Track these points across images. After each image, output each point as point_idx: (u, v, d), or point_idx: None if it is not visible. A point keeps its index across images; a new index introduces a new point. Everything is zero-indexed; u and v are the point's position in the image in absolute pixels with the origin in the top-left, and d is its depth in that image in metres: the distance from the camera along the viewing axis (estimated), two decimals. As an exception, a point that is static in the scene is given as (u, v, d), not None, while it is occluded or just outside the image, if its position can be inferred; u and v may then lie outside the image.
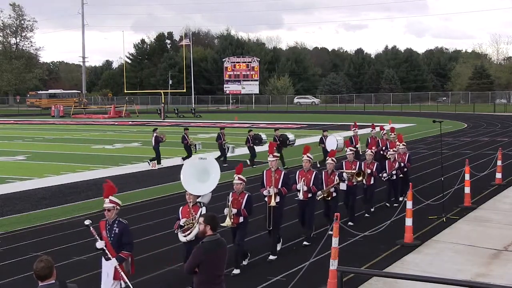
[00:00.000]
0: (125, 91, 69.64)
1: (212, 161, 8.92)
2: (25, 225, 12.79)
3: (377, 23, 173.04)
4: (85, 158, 24.90)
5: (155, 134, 22.45)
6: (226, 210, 9.08)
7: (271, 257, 9.93)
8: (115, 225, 7.28)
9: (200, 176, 8.59)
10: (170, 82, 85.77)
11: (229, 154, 23.49)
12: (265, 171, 10.36)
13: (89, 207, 14.35)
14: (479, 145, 28.67)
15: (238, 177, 9.29)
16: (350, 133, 23.62)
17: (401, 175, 14.18)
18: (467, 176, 14.23)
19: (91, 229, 7.17)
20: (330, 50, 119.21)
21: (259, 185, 10.65)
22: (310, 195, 10.71)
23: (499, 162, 17.42)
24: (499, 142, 28.79)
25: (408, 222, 10.90)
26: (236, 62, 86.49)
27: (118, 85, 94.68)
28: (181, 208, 8.40)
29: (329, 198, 11.25)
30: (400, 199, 13.82)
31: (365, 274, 8.85)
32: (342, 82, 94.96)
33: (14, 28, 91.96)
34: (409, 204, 11.08)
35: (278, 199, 10.09)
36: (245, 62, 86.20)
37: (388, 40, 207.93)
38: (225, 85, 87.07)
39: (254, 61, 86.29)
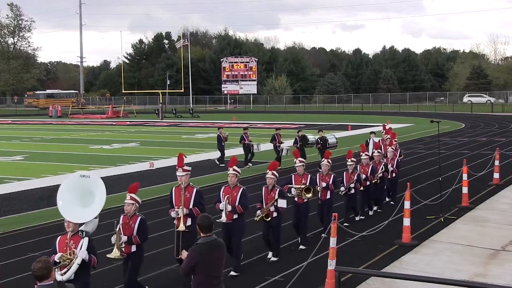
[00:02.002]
0: (123, 91, 69.68)
1: (97, 180, 7.22)
2: (23, 225, 12.78)
3: (373, 23, 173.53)
4: (83, 158, 24.90)
5: (218, 133, 22.42)
6: (113, 239, 7.78)
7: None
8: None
9: (82, 199, 7.09)
10: (168, 82, 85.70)
11: (256, 152, 22.72)
12: (173, 189, 8.93)
13: None
14: (477, 145, 28.73)
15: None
16: (348, 133, 23.64)
17: (362, 188, 12.72)
18: (464, 176, 14.24)
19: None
20: (328, 50, 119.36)
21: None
22: (236, 216, 9.03)
23: (496, 162, 17.44)
24: (496, 142, 28.85)
25: (406, 222, 10.91)
26: (234, 62, 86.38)
27: (116, 85, 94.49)
28: (58, 238, 7.01)
29: (269, 219, 9.60)
30: (375, 208, 13.58)
31: (363, 274, 8.83)
32: (340, 82, 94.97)
33: (12, 28, 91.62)
34: (407, 204, 11.07)
35: (189, 222, 8.58)
36: (243, 62, 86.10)
37: (385, 41, 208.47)
38: (223, 85, 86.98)
39: (252, 61, 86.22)
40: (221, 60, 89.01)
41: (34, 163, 23.62)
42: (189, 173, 8.95)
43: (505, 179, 17.54)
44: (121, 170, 21.00)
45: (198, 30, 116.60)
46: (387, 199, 14.45)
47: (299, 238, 10.72)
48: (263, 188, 9.86)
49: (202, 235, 6.05)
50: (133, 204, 8.06)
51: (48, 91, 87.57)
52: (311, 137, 22.19)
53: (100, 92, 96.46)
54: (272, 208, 9.58)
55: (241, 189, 9.09)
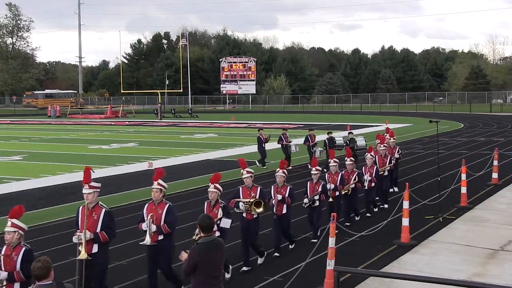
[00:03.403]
0: (122, 91, 69.79)
1: None
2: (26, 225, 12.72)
3: (371, 24, 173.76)
4: (81, 158, 24.84)
5: (258, 135, 21.92)
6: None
7: None
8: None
9: None
10: (167, 82, 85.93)
11: (293, 153, 22.01)
12: (80, 208, 7.69)
13: None
14: (476, 145, 28.78)
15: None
16: (347, 134, 23.59)
17: (331, 199, 11.55)
18: (463, 176, 14.24)
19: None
20: (327, 50, 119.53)
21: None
22: (161, 237, 7.87)
23: (495, 162, 17.46)
24: (495, 142, 28.93)
25: (405, 222, 10.90)
26: (233, 62, 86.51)
27: (115, 85, 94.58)
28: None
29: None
30: (357, 217, 12.81)
31: (361, 274, 8.82)
32: (339, 82, 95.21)
33: (10, 28, 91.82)
34: (405, 204, 11.05)
35: (95, 248, 7.31)
36: (242, 62, 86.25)
37: (382, 40, 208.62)
38: (222, 85, 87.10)
39: (250, 61, 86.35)
40: (220, 60, 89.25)
41: (32, 163, 23.59)
42: (98, 190, 7.69)
43: (504, 179, 17.57)
44: (120, 170, 20.99)
45: (197, 30, 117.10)
46: (374, 209, 13.60)
47: (244, 260, 9.36)
48: (205, 203, 8.68)
49: (202, 234, 6.05)
50: (15, 231, 6.62)
51: (47, 91, 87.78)
52: (339, 139, 21.47)
53: (99, 92, 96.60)
54: (214, 228, 8.08)
55: (167, 205, 7.97)
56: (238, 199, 9.30)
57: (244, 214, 9.33)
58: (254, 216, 9.25)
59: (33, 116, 65.66)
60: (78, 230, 7.39)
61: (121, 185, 16.92)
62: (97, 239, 7.24)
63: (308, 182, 11.06)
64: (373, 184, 13.17)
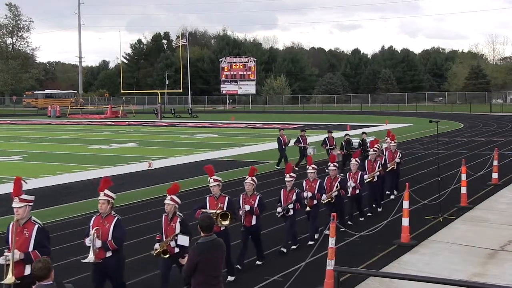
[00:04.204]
0: (122, 91, 69.86)
1: None
2: None
3: (370, 24, 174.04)
4: (81, 158, 24.89)
5: (278, 135, 21.50)
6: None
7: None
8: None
9: None
10: (167, 82, 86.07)
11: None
12: (10, 225, 6.91)
13: (85, 207, 14.32)
14: (476, 145, 28.81)
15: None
16: (341, 134, 23.56)
17: (309, 208, 10.91)
18: (463, 176, 14.25)
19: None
20: (326, 50, 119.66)
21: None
22: (109, 253, 7.18)
23: (495, 162, 17.48)
24: (495, 142, 28.96)
25: (405, 222, 10.91)
26: (233, 62, 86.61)
27: (115, 85, 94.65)
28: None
29: (167, 256, 7.66)
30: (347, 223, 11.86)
31: (361, 274, 8.83)
32: (339, 82, 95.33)
33: (10, 28, 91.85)
34: (405, 204, 11.06)
35: (27, 270, 6.37)
36: (242, 62, 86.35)
37: (382, 41, 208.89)
38: (221, 85, 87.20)
39: (250, 61, 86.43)
40: (220, 60, 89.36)
41: (32, 163, 23.60)
42: (30, 204, 6.90)
43: (504, 179, 17.59)
44: (120, 170, 21.04)
45: (197, 30, 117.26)
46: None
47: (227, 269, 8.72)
48: (163, 216, 8.00)
49: (202, 234, 6.03)
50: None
51: (47, 91, 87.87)
52: (355, 140, 20.64)
53: (99, 92, 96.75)
54: (172, 243, 7.65)
55: (115, 218, 7.29)
56: (205, 210, 8.54)
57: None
58: (222, 229, 8.43)
59: (33, 116, 65.77)
60: (7, 250, 6.53)
61: (121, 185, 16.93)
62: (28, 260, 6.28)
63: (282, 190, 10.39)
64: (357, 191, 12.33)
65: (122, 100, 72.30)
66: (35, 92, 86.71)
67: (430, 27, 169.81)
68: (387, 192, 15.18)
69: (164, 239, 7.73)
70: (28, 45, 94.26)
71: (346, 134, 20.88)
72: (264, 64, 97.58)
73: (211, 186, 8.73)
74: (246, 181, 9.44)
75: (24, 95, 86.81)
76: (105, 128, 45.06)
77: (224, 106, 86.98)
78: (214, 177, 8.77)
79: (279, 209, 10.15)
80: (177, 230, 7.61)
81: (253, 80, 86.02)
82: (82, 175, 19.82)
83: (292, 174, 10.24)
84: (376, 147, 14.62)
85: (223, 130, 41.81)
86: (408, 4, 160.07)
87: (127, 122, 53.11)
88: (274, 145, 22.98)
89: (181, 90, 66.61)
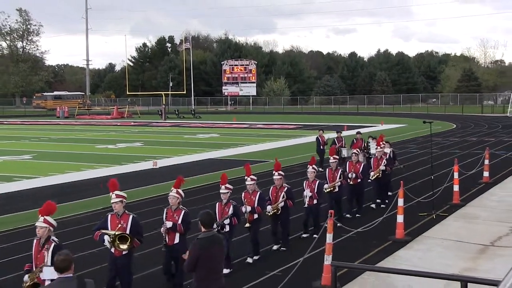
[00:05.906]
0: (128, 93, 70.57)
1: None
2: (31, 221, 11.59)
3: (365, 28, 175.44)
4: (89, 158, 24.84)
5: (317, 136, 21.14)
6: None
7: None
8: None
9: None
10: (171, 84, 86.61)
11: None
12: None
13: (93, 204, 14.47)
14: (468, 145, 28.79)
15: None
16: (345, 133, 23.06)
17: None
18: (456, 175, 14.39)
19: None
20: (324, 54, 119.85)
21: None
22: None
23: (486, 161, 17.57)
24: (486, 142, 28.88)
25: (399, 218, 11.01)
26: (234, 65, 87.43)
27: (121, 87, 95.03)
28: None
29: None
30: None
31: (358, 269, 8.93)
32: (336, 84, 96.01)
33: (21, 32, 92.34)
34: (400, 202, 11.16)
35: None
36: (243, 65, 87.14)
37: (377, 44, 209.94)
38: (223, 87, 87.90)
39: (251, 64, 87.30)
40: (222, 63, 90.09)
41: (42, 162, 23.69)
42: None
43: (495, 177, 17.66)
44: (126, 169, 21.06)
45: (200, 34, 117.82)
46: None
47: None
48: (34, 240, 6.73)
49: (203, 230, 6.13)
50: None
51: (56, 92, 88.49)
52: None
53: (106, 94, 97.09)
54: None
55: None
56: (104, 230, 7.41)
57: (112, 249, 7.38)
58: (124, 253, 7.32)
59: (43, 117, 65.73)
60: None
61: (127, 184, 16.56)
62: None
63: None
64: (315, 201, 11.09)
65: (128, 101, 72.91)
66: (44, 93, 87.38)
67: (423, 31, 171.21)
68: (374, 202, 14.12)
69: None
70: (37, 49, 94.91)
71: (369, 137, 19.17)
72: (264, 67, 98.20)
73: (112, 202, 7.54)
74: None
75: (34, 97, 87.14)
76: (112, 128, 45.17)
77: (226, 107, 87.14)
78: (116, 192, 7.58)
79: (226, 221, 8.90)
80: (45, 259, 6.44)
81: (253, 82, 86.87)
82: (89, 174, 19.92)
83: (228, 185, 9.10)
84: (335, 156, 12.96)
85: (225, 130, 41.76)
86: (400, 9, 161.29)
87: (132, 123, 53.04)
88: (274, 144, 22.77)
89: (185, 92, 67.40)
